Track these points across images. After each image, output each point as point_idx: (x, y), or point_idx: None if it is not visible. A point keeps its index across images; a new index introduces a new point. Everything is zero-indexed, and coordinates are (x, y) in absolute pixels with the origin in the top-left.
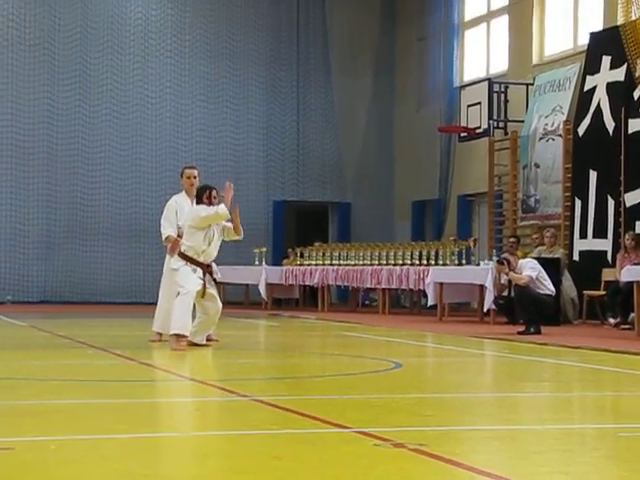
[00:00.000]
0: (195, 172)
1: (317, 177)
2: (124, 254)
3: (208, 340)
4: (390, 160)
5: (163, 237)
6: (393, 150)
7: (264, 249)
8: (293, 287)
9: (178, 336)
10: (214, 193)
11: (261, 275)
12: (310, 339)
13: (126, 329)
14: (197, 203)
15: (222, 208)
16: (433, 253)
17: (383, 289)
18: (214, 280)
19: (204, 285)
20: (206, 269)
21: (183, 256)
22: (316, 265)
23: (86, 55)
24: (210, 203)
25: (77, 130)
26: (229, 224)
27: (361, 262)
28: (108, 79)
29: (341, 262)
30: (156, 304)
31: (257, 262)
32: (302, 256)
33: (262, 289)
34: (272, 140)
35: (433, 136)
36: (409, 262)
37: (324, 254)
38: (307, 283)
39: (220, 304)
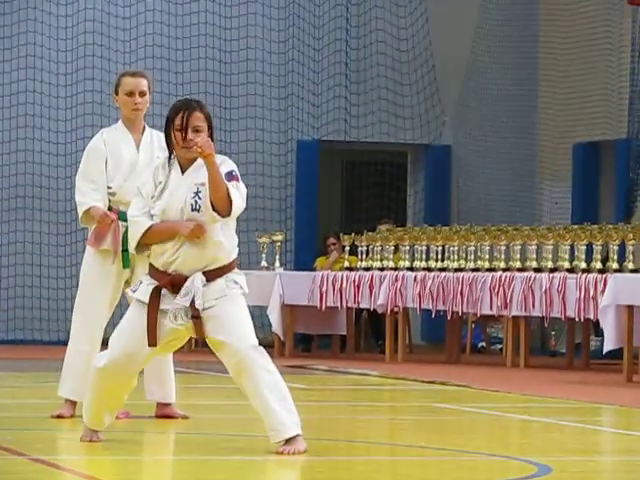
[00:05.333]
0: (144, 83)
1: (385, 99)
2: None
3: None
4: (532, 66)
5: (80, 212)
6: (536, 48)
7: (278, 237)
8: (336, 313)
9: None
10: (202, 137)
11: (272, 289)
12: (372, 418)
13: (4, 395)
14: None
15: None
16: (615, 247)
17: (514, 319)
18: (194, 315)
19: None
20: (172, 289)
21: None
22: (383, 269)
23: None
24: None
25: None
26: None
27: (471, 264)
28: None
29: (431, 264)
30: (63, 345)
31: (264, 263)
32: (354, 251)
33: (274, 316)
34: (296, 26)
35: (617, 17)
36: (567, 265)
37: (398, 248)
38: (364, 306)
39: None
